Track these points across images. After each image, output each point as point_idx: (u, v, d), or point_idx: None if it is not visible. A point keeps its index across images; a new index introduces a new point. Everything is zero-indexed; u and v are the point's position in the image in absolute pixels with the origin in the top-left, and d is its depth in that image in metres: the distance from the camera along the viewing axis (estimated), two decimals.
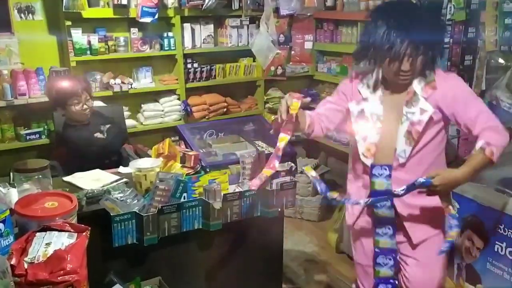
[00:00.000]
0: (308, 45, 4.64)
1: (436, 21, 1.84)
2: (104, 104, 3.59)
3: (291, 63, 4.68)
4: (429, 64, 1.79)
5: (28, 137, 3.60)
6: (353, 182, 2.05)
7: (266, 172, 1.94)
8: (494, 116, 1.80)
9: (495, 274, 2.19)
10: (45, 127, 3.67)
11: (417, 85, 1.82)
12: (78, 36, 3.67)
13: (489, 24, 2.37)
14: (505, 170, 2.27)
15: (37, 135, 3.63)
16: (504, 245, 2.13)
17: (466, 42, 2.46)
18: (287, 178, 2.25)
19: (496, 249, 2.16)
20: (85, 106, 2.93)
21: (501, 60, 2.40)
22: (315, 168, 4.18)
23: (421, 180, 1.70)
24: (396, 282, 1.98)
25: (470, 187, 2.24)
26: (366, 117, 1.89)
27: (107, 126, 3.05)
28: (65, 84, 2.98)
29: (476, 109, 1.76)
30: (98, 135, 3.00)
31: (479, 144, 1.71)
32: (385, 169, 1.86)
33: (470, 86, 2.52)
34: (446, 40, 2.45)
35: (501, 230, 2.12)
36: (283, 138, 1.88)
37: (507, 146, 2.54)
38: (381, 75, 1.88)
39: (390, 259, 1.95)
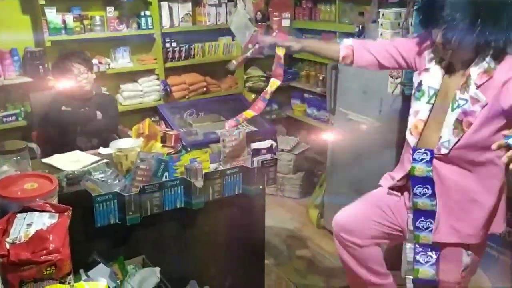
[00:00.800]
0: (286, 22, 4.63)
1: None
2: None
3: None
4: (487, 50, 1.64)
5: (4, 120, 3.54)
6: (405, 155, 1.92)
7: (247, 114, 1.90)
8: None
9: None
10: (22, 108, 3.61)
11: (473, 71, 1.68)
12: (53, 15, 3.59)
13: None
14: None
15: (14, 117, 3.58)
16: None
17: None
18: (268, 156, 2.27)
19: None
20: (80, 78, 2.97)
21: None
22: (295, 146, 4.22)
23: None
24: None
25: None
26: (423, 90, 1.78)
27: (105, 107, 3.10)
28: (60, 58, 3.08)
29: None
30: (98, 114, 3.05)
31: None
32: (426, 153, 1.74)
33: None
34: None
35: None
36: (274, 83, 1.87)
37: None
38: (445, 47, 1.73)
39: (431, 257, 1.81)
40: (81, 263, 1.88)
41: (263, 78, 4.71)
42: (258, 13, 4.47)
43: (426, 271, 1.80)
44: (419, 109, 1.78)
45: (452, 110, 1.70)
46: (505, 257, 2.13)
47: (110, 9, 3.88)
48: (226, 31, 4.42)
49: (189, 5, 4.26)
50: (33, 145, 3.05)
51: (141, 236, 2.15)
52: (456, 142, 1.70)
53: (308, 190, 4.05)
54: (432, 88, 1.76)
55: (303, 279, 2.95)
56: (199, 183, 2.09)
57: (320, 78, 4.37)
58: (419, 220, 1.78)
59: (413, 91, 1.83)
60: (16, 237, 1.49)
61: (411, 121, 1.80)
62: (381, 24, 2.83)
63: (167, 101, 4.19)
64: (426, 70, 1.79)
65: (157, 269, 2.03)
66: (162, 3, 4.09)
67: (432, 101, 1.76)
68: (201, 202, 2.12)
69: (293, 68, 4.75)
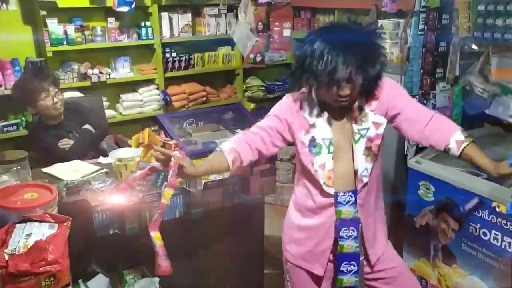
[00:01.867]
0: (286, 32, 4.65)
1: (376, 46, 1.65)
2: (82, 95, 3.56)
3: (270, 50, 4.69)
4: (372, 84, 1.67)
5: (5, 129, 3.55)
6: (315, 216, 1.87)
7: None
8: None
9: (469, 255, 2.26)
10: (23, 118, 3.63)
11: (360, 102, 1.72)
12: (54, 26, 3.62)
13: (463, 11, 2.41)
14: None
15: (15, 127, 3.59)
16: (477, 226, 2.19)
17: (440, 29, 2.50)
18: (267, 165, 2.28)
19: (470, 230, 2.23)
20: (55, 99, 2.83)
21: (474, 46, 2.44)
22: (294, 155, 4.21)
23: None
24: None
25: (445, 171, 2.30)
26: (319, 144, 1.75)
27: (84, 126, 2.96)
28: (30, 81, 2.88)
29: (417, 105, 1.80)
30: (67, 141, 2.89)
31: (460, 136, 1.72)
32: (351, 195, 1.76)
33: (444, 72, 2.57)
34: (421, 27, 2.49)
35: (475, 211, 2.19)
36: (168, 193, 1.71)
37: (479, 130, 2.62)
38: (319, 98, 1.73)
39: None
40: (80, 273, 1.88)
41: (262, 88, 4.73)
42: (259, 23, 4.50)
43: (349, 280, 1.84)
44: (324, 162, 1.76)
45: (356, 143, 1.74)
46: (495, 262, 2.13)
47: (111, 19, 3.91)
48: (225, 41, 4.45)
49: (189, 16, 4.29)
50: (34, 154, 3.06)
51: (140, 246, 2.14)
52: (372, 167, 1.76)
53: None
54: (326, 139, 1.75)
55: None
56: (198, 192, 2.10)
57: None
58: (344, 263, 1.81)
59: (307, 149, 1.77)
60: (15, 248, 1.49)
61: (321, 175, 1.76)
62: (380, 35, 2.85)
63: (167, 111, 4.20)
64: (312, 126, 1.76)
65: (156, 279, 2.03)
66: (162, 13, 4.12)
67: (331, 150, 1.75)
68: (200, 212, 2.12)
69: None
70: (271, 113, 1.83)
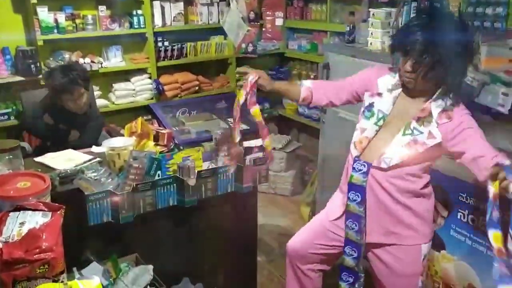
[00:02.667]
0: (279, 22, 4.65)
1: (464, 41, 1.73)
2: None
3: (262, 40, 4.69)
4: (446, 90, 1.77)
5: None
6: (344, 172, 2.08)
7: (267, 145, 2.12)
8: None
9: (457, 240, 2.30)
10: (14, 108, 3.60)
11: (434, 107, 1.80)
12: (45, 14, 3.59)
13: (453, 0, 2.43)
14: None
15: (6, 116, 3.57)
16: (466, 212, 2.23)
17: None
18: (260, 154, 2.28)
19: (459, 217, 2.27)
20: (78, 102, 2.86)
21: None
22: (287, 144, 4.24)
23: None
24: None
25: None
26: (373, 111, 1.90)
27: (91, 127, 3.01)
28: (65, 83, 2.83)
29: (481, 148, 1.71)
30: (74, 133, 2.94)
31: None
32: (364, 165, 1.89)
33: None
34: (413, 15, 2.51)
35: (463, 198, 2.22)
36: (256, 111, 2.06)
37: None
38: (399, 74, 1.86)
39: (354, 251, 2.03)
40: (74, 261, 1.89)
41: None
42: (251, 12, 4.48)
43: (348, 261, 2.07)
44: (366, 127, 1.91)
45: (403, 134, 1.83)
46: (492, 252, 2.17)
47: (102, 8, 3.88)
48: (218, 30, 4.44)
49: (181, 4, 4.27)
50: (25, 144, 3.05)
51: (134, 234, 2.16)
52: (399, 163, 1.83)
53: (300, 188, 4.08)
54: (381, 111, 1.89)
55: None
56: (191, 181, 2.11)
57: (312, 77, 4.40)
58: (348, 220, 2.01)
59: (363, 109, 1.96)
60: (9, 236, 1.49)
61: (357, 135, 1.93)
62: (372, 24, 2.87)
63: (160, 100, 4.20)
64: (379, 94, 1.91)
65: (150, 267, 2.04)
66: (154, 2, 4.09)
67: (380, 123, 1.89)
68: (193, 200, 2.13)
69: (285, 67, 4.77)
70: (360, 72, 2.04)
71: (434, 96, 1.81)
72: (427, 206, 2.00)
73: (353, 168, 1.93)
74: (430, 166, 1.94)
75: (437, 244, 2.41)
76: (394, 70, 1.91)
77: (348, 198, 1.98)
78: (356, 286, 2.11)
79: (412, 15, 2.50)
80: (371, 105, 1.92)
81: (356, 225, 1.98)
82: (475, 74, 2.45)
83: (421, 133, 1.80)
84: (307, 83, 2.08)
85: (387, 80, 1.91)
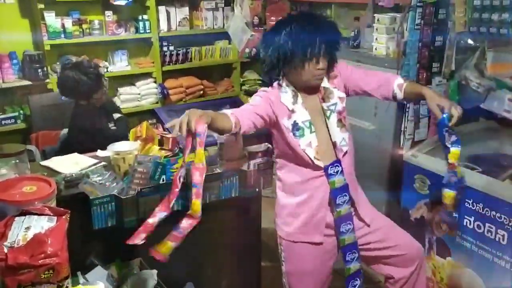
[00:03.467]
0: None
1: (332, 23, 1.93)
2: None
3: None
4: (335, 60, 1.92)
5: (3, 122, 3.56)
6: (302, 191, 2.01)
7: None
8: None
9: (463, 247, 2.29)
10: (20, 111, 3.63)
11: (325, 82, 1.95)
12: (52, 19, 3.62)
13: (459, 6, 2.42)
14: (473, 148, 2.36)
15: (12, 120, 3.60)
16: (472, 219, 2.22)
17: (436, 24, 2.51)
18: (264, 159, 2.29)
19: (464, 223, 2.26)
20: (97, 97, 2.87)
21: (470, 41, 2.46)
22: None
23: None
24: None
25: (440, 164, 2.32)
26: (301, 127, 1.93)
27: (117, 115, 3.00)
28: (86, 79, 2.83)
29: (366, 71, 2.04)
30: (110, 125, 2.95)
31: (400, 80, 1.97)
32: (337, 165, 1.93)
33: (440, 66, 2.59)
34: (418, 21, 2.51)
35: (469, 204, 2.21)
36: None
37: (474, 124, 2.64)
38: (294, 84, 1.94)
39: (355, 253, 2.02)
40: (79, 265, 1.89)
41: (259, 82, 4.74)
42: (255, 17, 4.50)
43: (354, 267, 2.04)
44: (310, 140, 1.93)
45: (329, 118, 1.94)
46: (498, 259, 2.16)
47: (108, 13, 3.91)
48: (223, 35, 4.45)
49: (186, 10, 4.29)
50: (32, 148, 3.07)
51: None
52: (348, 137, 1.97)
53: None
54: (306, 121, 1.94)
55: None
56: None
57: None
58: (342, 225, 1.98)
59: (291, 134, 1.92)
60: (14, 241, 1.48)
61: (311, 152, 1.92)
62: (376, 29, 2.87)
63: (165, 104, 4.21)
64: (292, 111, 1.93)
65: (154, 271, 2.04)
66: (159, 7, 4.11)
67: (313, 129, 1.94)
68: None
69: None
70: (257, 94, 1.99)
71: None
72: None
73: (330, 175, 1.94)
74: None
75: (443, 251, 2.41)
76: (277, 87, 1.96)
77: (337, 204, 1.95)
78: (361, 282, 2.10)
79: (417, 21, 2.50)
80: (295, 124, 1.92)
81: (350, 224, 1.98)
82: (481, 80, 2.45)
83: (335, 104, 1.95)
84: (227, 111, 1.91)
85: (286, 97, 1.94)
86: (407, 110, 2.62)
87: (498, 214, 2.11)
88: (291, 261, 2.08)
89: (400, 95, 1.96)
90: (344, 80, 1.99)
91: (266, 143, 2.38)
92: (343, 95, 1.98)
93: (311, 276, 2.07)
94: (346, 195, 1.96)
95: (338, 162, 1.94)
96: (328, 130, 1.95)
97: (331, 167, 1.93)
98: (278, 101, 1.94)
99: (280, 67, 1.90)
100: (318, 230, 1.99)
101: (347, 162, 1.97)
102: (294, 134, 1.93)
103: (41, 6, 3.55)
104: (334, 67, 1.94)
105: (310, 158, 1.91)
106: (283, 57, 1.85)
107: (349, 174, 2.00)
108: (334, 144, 1.95)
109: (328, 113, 1.94)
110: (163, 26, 4.18)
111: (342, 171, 1.94)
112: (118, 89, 4.11)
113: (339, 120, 1.95)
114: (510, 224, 2.07)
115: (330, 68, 1.92)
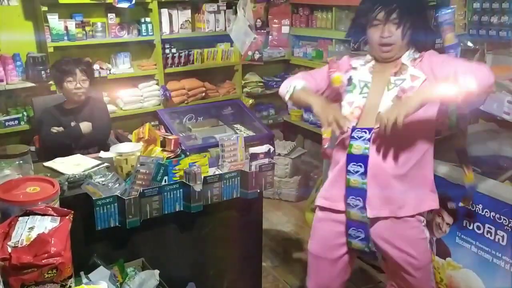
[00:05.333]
0: (285, 29, 4.68)
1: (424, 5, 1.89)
2: None
3: (268, 47, 4.72)
4: (415, 42, 1.82)
5: (7, 123, 3.58)
6: (335, 152, 1.98)
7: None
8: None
9: (463, 248, 2.30)
10: (24, 113, 3.65)
11: (405, 59, 1.83)
12: (55, 22, 3.64)
13: (459, 8, 2.43)
14: (473, 150, 2.37)
15: (16, 121, 3.62)
16: (472, 220, 2.24)
17: (436, 26, 2.53)
18: (266, 160, 2.30)
19: (464, 224, 2.27)
20: (78, 85, 2.96)
21: (470, 43, 2.47)
22: (292, 150, 4.25)
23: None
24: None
25: (440, 166, 2.34)
26: (354, 83, 1.88)
27: (97, 114, 3.08)
28: (64, 62, 3.02)
29: (456, 64, 1.74)
30: (87, 126, 3.02)
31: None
32: (365, 132, 1.79)
33: None
34: None
35: (469, 206, 2.23)
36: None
37: (474, 126, 2.65)
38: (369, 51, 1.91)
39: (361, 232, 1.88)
40: (82, 265, 1.91)
41: (261, 84, 4.76)
42: (258, 20, 4.52)
43: (356, 244, 1.90)
44: (353, 100, 1.86)
45: (389, 90, 1.81)
46: (498, 260, 2.17)
47: (111, 15, 3.93)
48: (224, 38, 4.47)
49: (188, 12, 4.31)
50: (36, 149, 3.10)
51: (141, 239, 2.18)
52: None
53: (305, 194, 4.09)
54: (362, 81, 1.87)
55: (300, 281, 2.98)
56: (198, 187, 2.13)
57: None
58: (350, 197, 1.85)
59: (344, 87, 1.91)
60: (18, 241, 1.49)
61: (347, 110, 1.85)
62: None
63: (167, 106, 4.23)
64: (354, 68, 1.91)
65: (156, 271, 2.06)
66: (162, 10, 4.13)
67: (365, 91, 1.85)
68: (199, 206, 2.16)
69: (290, 74, 4.78)
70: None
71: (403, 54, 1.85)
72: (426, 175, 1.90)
73: (352, 137, 1.81)
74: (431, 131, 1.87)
75: (443, 251, 2.42)
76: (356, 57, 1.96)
77: (348, 171, 1.82)
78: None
79: None
80: (350, 79, 1.89)
81: (360, 201, 1.82)
82: None
83: (404, 80, 1.80)
84: (300, 83, 1.92)
85: (357, 60, 1.94)
86: None
87: (497, 215, 2.13)
88: (314, 229, 2.03)
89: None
90: (427, 66, 1.80)
91: (268, 145, 2.40)
92: (419, 74, 1.79)
93: (322, 244, 1.97)
94: (361, 166, 1.79)
95: (369, 129, 1.79)
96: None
97: (357, 130, 1.81)
98: (344, 62, 1.95)
99: (359, 29, 1.87)
100: (341, 199, 1.88)
101: (383, 139, 1.76)
102: (345, 89, 1.90)
103: (45, 8, 3.57)
104: (416, 49, 1.83)
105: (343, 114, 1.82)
106: (358, 18, 1.87)
107: (381, 154, 1.79)
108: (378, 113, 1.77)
109: (391, 86, 1.82)
110: (166, 28, 4.20)
111: (367, 139, 1.79)
112: (121, 91, 4.12)
113: (398, 97, 1.78)
114: (509, 225, 2.09)
115: (408, 43, 1.80)
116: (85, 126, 3.01)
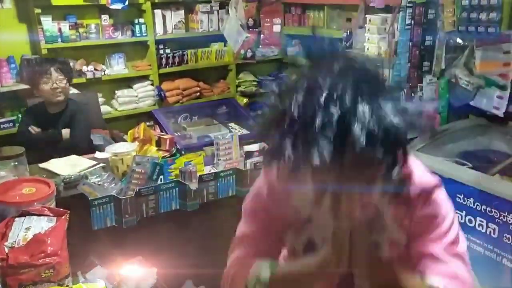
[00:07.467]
0: (277, 28, 4.68)
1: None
2: (78, 91, 3.60)
3: (261, 46, 4.73)
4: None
5: (2, 126, 3.59)
6: None
7: None
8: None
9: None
10: (19, 115, 3.66)
11: None
12: (49, 24, 3.65)
13: (448, 5, 2.46)
14: (463, 145, 2.40)
15: (11, 124, 3.63)
16: (463, 213, 2.26)
17: (426, 23, 2.56)
18: (260, 158, 2.32)
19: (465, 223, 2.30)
20: (55, 85, 2.84)
21: (459, 40, 2.50)
22: None
23: None
24: None
25: (432, 161, 2.36)
26: None
27: (78, 120, 2.95)
28: (37, 64, 2.95)
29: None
30: (65, 132, 2.92)
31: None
32: None
33: (431, 65, 2.62)
34: (408, 21, 2.55)
35: (460, 199, 2.25)
36: None
37: (464, 121, 2.68)
38: None
39: None
40: (79, 265, 1.93)
41: (255, 83, 4.78)
42: (250, 19, 4.52)
43: None
44: None
45: None
46: (490, 252, 2.20)
47: (105, 17, 3.94)
48: (218, 37, 4.48)
49: (182, 13, 4.33)
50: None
51: (138, 238, 2.19)
52: None
53: None
54: None
55: None
56: (193, 185, 2.15)
57: None
58: None
59: None
60: (15, 241, 1.50)
61: None
62: (368, 30, 2.91)
63: (162, 106, 4.24)
64: None
65: (154, 270, 2.07)
66: (155, 11, 4.15)
67: None
68: (195, 204, 2.17)
69: (283, 73, 4.81)
70: None
71: None
72: None
73: None
74: None
75: None
76: None
77: None
78: None
79: (407, 21, 2.54)
80: None
81: None
82: (470, 78, 2.49)
83: None
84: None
85: None
86: None
87: (488, 208, 2.15)
88: None
89: None
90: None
91: (262, 143, 2.42)
92: None
93: None
94: None
95: None
96: None
97: None
98: None
99: None
100: None
101: None
102: None
103: (38, 10, 3.58)
104: None
105: None
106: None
107: None
108: None
109: None
110: (159, 29, 4.21)
111: None
112: (116, 92, 4.14)
113: None
114: (500, 217, 2.11)
115: None
116: (65, 133, 2.93)
